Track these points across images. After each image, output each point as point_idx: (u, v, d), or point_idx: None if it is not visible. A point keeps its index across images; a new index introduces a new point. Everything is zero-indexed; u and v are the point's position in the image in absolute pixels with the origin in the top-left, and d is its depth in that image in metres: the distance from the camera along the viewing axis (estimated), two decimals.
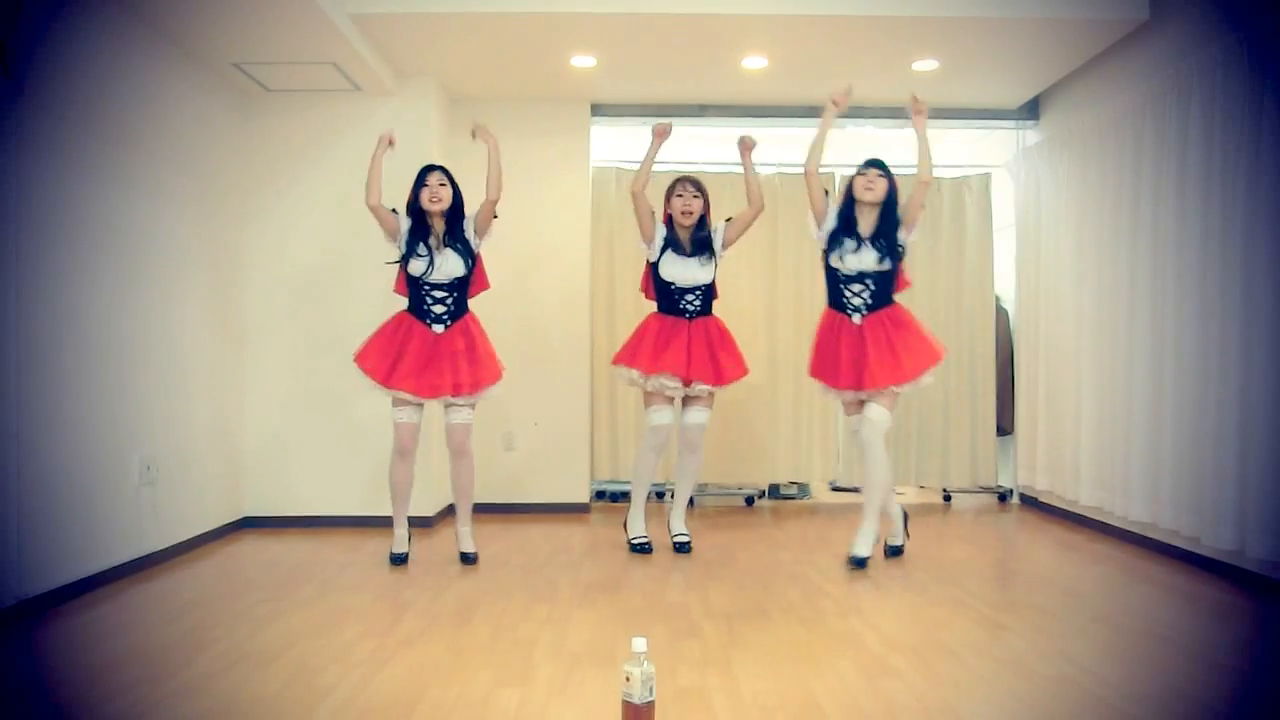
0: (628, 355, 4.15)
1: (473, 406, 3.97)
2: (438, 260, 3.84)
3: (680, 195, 4.12)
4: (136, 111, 3.79)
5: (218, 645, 2.78)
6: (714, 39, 4.40)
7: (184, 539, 4.14)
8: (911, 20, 4.15)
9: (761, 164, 5.65)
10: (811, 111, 5.47)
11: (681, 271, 4.11)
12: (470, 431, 3.97)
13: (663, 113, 5.45)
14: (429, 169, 3.92)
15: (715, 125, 5.66)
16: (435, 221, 3.90)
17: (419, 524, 4.79)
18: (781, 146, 6.15)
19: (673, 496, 4.36)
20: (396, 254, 3.96)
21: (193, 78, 4.26)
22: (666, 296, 4.15)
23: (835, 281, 3.90)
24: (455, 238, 3.89)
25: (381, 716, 2.23)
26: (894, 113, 5.49)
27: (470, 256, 3.91)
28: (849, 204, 3.92)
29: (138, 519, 3.78)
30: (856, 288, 3.84)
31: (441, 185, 3.86)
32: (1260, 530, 3.39)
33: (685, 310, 4.14)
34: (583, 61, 4.69)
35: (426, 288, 3.87)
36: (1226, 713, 2.33)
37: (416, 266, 3.84)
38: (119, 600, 3.34)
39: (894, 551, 4.03)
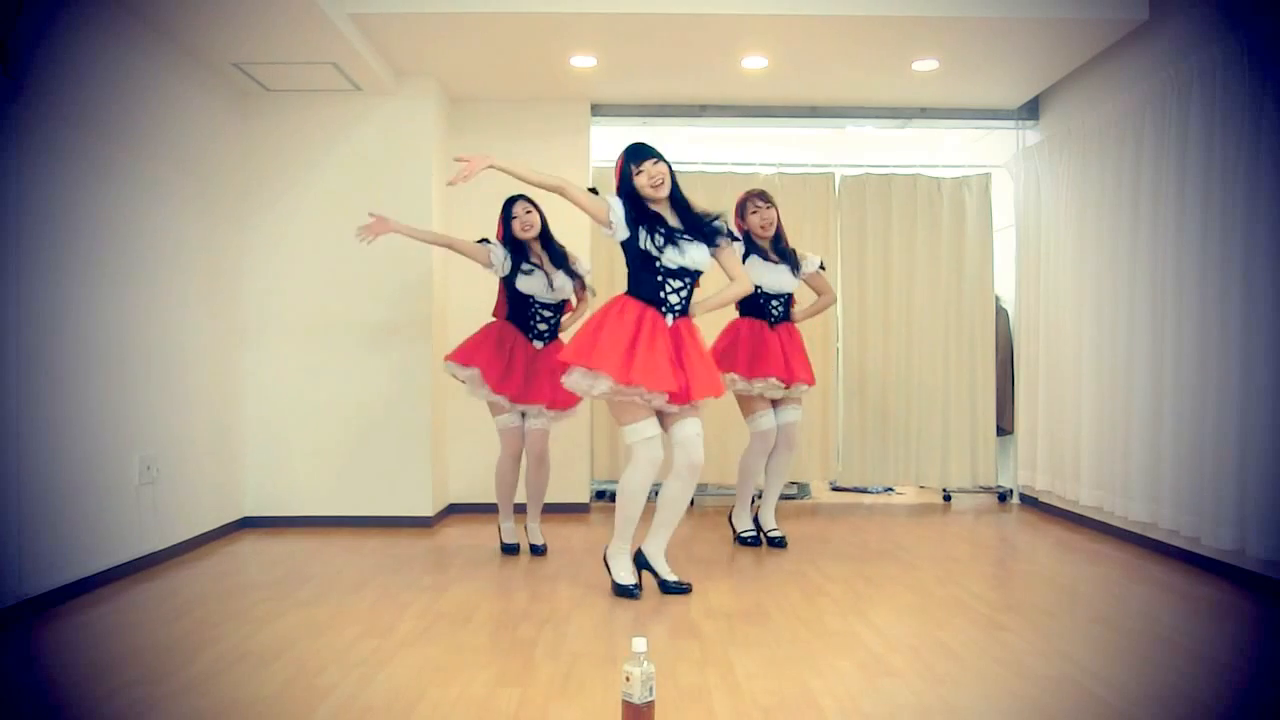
0: (724, 362, 4.22)
1: (555, 417, 4.13)
2: (555, 281, 4.01)
3: (756, 211, 4.22)
4: (136, 111, 3.79)
5: (218, 645, 2.78)
6: (714, 39, 4.40)
7: (184, 539, 4.14)
8: (911, 20, 4.15)
9: (761, 164, 5.69)
10: (812, 111, 5.49)
11: (771, 277, 4.22)
12: (548, 437, 4.15)
13: (663, 113, 5.47)
14: (514, 199, 4.03)
15: (715, 125, 5.67)
16: (533, 246, 4.05)
17: (419, 524, 4.80)
18: (782, 146, 6.17)
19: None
20: (496, 276, 4.07)
21: (193, 77, 4.26)
22: (753, 300, 4.27)
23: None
24: (560, 262, 4.05)
25: (381, 716, 2.23)
26: (894, 113, 5.50)
27: (575, 281, 4.10)
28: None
29: (138, 519, 3.78)
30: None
31: (529, 213, 4.00)
32: (1260, 530, 3.39)
33: (771, 315, 4.31)
34: (583, 61, 4.69)
35: (536, 306, 4.05)
36: (1226, 713, 2.33)
37: (532, 285, 3.99)
38: (119, 600, 3.34)
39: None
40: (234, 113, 4.71)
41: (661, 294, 3.35)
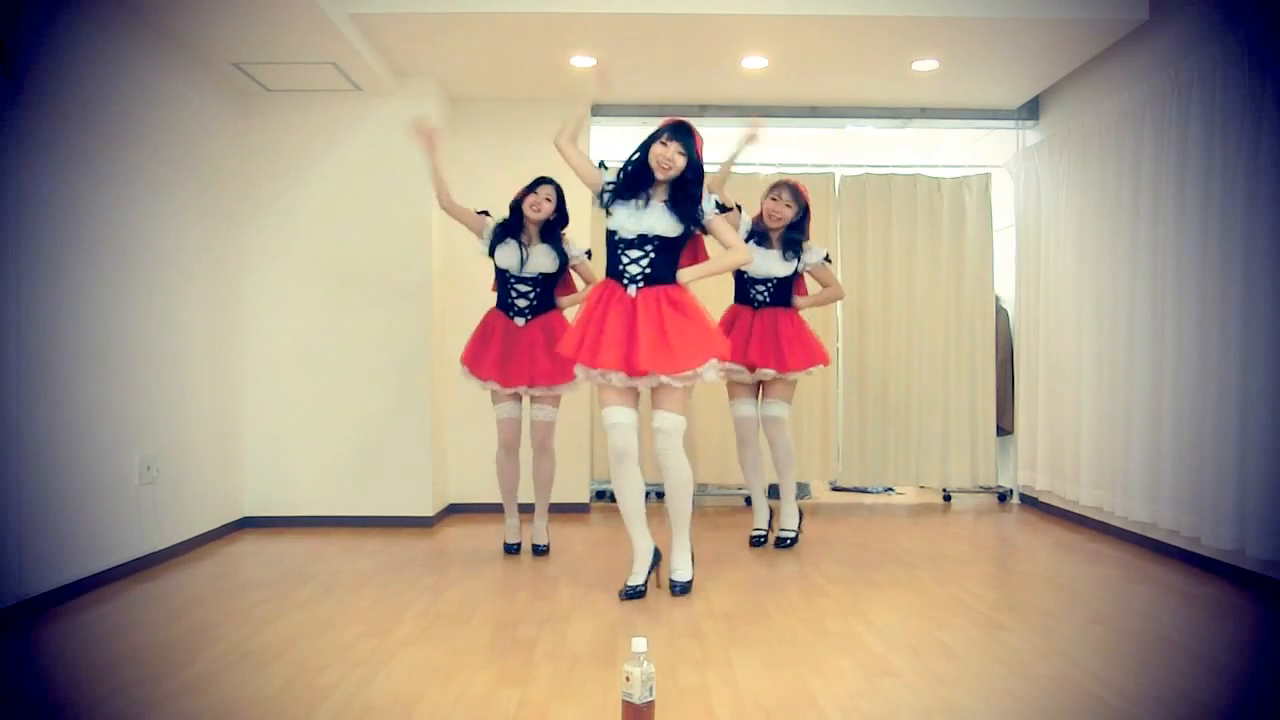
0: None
1: (555, 404, 4.11)
2: (528, 254, 3.98)
3: (776, 199, 4.18)
4: (136, 112, 3.79)
5: (218, 645, 2.78)
6: (714, 39, 4.40)
7: (184, 539, 4.14)
8: (911, 20, 4.15)
9: (761, 164, 5.69)
10: (812, 111, 5.49)
11: (756, 260, 4.18)
12: (552, 429, 4.12)
13: (663, 113, 5.46)
14: (542, 180, 4.02)
15: (715, 125, 5.65)
16: (530, 226, 4.03)
17: (419, 524, 4.80)
18: (782, 146, 6.17)
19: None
20: (484, 248, 4.06)
21: (193, 77, 4.26)
22: (740, 284, 4.31)
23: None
24: (548, 237, 4.02)
25: (381, 716, 2.23)
26: (894, 113, 5.50)
27: (563, 258, 4.04)
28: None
29: (138, 519, 3.78)
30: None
31: (547, 200, 3.99)
32: (1260, 530, 3.39)
33: (754, 300, 4.28)
34: (583, 61, 4.69)
35: (513, 280, 4.02)
36: (1227, 713, 2.33)
37: (505, 258, 3.98)
38: (119, 600, 3.34)
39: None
40: (234, 113, 4.71)
41: (620, 266, 3.33)
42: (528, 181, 4.08)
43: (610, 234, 3.37)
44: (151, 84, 3.91)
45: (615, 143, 5.79)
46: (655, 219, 3.30)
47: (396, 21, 4.17)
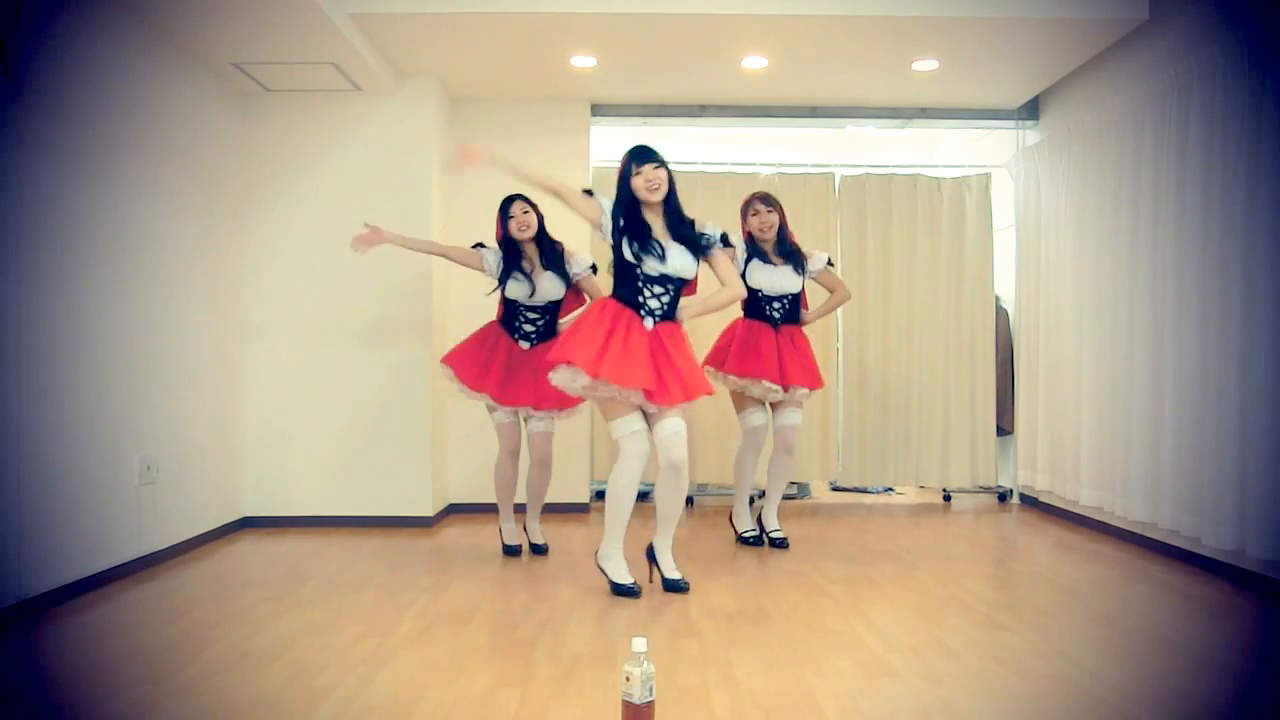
0: (717, 360, 4.29)
1: (554, 417, 4.10)
2: (537, 284, 3.97)
3: (756, 214, 4.22)
4: (136, 111, 3.79)
5: (218, 645, 2.78)
6: (714, 39, 4.40)
7: (184, 539, 4.14)
8: (911, 20, 4.15)
9: (761, 164, 5.69)
10: (812, 111, 5.49)
11: (769, 279, 4.20)
12: (552, 440, 4.13)
13: (663, 113, 5.47)
14: (511, 199, 3.99)
15: (715, 125, 5.68)
16: (527, 248, 4.01)
17: (419, 524, 4.80)
18: (782, 146, 6.17)
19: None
20: (493, 284, 4.06)
21: (193, 77, 4.26)
22: (755, 303, 4.29)
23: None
24: (551, 262, 4.01)
25: (381, 716, 2.23)
26: (894, 113, 5.50)
27: (566, 281, 4.04)
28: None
29: (138, 519, 3.78)
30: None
31: (525, 213, 3.97)
32: (1260, 530, 3.39)
33: (772, 318, 4.28)
34: (583, 61, 4.69)
35: (522, 309, 4.03)
36: (1226, 713, 2.33)
37: (516, 290, 3.98)
38: (119, 600, 3.34)
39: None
40: (234, 113, 4.71)
41: (640, 298, 3.39)
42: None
43: (632, 265, 3.38)
44: (151, 84, 3.91)
45: (616, 143, 5.79)
46: (679, 261, 3.38)
47: (396, 21, 4.17)
